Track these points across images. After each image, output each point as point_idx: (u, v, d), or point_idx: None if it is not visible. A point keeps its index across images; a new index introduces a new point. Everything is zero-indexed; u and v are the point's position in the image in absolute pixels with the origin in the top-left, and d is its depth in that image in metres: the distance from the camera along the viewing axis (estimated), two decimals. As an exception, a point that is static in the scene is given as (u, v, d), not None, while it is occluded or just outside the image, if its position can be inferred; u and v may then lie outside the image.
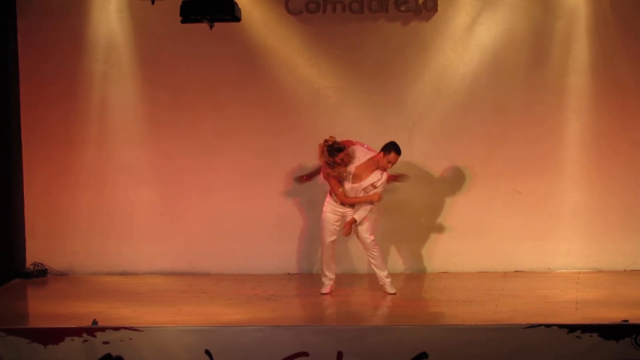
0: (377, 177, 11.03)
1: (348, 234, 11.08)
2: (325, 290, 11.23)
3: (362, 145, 11.18)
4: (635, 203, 12.12)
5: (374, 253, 11.11)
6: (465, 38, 12.23)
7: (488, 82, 12.23)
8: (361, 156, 11.06)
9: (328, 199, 11.17)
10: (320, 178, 11.36)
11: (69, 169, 12.59)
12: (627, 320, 9.10)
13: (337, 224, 11.16)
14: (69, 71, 12.52)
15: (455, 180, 12.29)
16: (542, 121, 12.22)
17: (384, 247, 12.01)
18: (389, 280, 11.17)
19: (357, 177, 11.04)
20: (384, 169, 11.04)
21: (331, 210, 11.14)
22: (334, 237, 11.17)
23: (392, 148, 10.97)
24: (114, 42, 12.54)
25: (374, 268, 11.16)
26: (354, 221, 11.01)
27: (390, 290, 11.15)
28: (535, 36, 12.15)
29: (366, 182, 11.02)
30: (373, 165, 11.04)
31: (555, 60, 12.17)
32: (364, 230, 11.07)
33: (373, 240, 11.10)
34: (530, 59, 12.19)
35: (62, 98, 12.55)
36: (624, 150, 12.16)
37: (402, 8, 12.21)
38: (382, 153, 11.01)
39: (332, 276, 11.26)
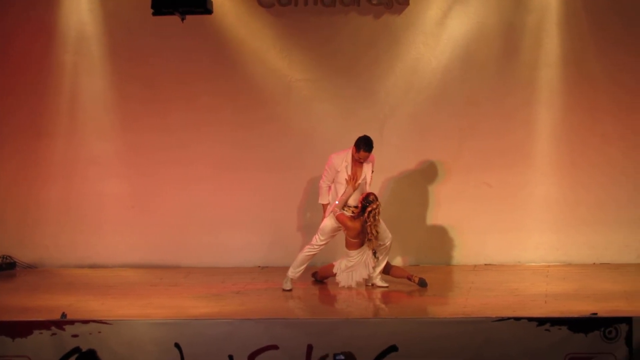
0: (368, 170, 10.96)
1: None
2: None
3: (337, 153, 11.03)
4: (604, 196, 12.15)
5: (384, 253, 11.02)
6: (436, 31, 12.24)
7: (459, 75, 12.25)
8: (343, 160, 10.93)
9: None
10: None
11: (38, 161, 12.52)
12: (596, 314, 9.12)
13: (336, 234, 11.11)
14: (38, 62, 12.45)
15: (427, 174, 12.31)
16: (512, 114, 12.25)
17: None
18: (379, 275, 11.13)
19: (354, 179, 10.92)
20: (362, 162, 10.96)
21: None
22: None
23: (360, 145, 10.83)
24: (84, 33, 12.48)
25: (377, 264, 11.00)
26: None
27: (382, 283, 11.08)
28: (506, 29, 12.18)
29: (362, 178, 10.93)
30: (354, 159, 10.94)
31: (526, 54, 12.20)
32: (384, 229, 10.95)
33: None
34: (501, 52, 12.22)
35: (31, 89, 12.47)
36: (594, 143, 12.19)
37: (374, 1, 12.20)
38: (354, 147, 10.95)
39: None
